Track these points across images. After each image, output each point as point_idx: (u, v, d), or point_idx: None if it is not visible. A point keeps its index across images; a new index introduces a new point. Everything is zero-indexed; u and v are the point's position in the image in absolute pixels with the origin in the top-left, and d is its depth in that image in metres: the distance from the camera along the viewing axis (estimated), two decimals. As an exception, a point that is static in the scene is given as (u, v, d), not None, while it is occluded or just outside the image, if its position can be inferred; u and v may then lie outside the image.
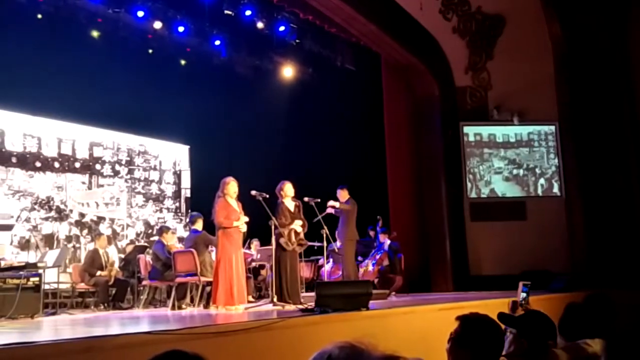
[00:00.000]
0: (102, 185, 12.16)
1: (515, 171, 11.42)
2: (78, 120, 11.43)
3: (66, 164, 11.60)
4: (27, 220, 10.83)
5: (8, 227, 9.61)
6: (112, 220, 12.21)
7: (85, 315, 7.65)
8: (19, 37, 9.72)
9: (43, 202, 11.11)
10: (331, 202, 8.59)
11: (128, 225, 12.47)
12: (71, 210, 11.55)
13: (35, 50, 9.81)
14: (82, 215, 11.69)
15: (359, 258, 10.15)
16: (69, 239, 11.35)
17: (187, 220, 11.17)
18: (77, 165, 11.77)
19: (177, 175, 13.52)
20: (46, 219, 11.12)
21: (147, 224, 12.70)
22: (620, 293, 6.95)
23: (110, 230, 12.00)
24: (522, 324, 2.56)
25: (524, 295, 3.95)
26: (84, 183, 11.88)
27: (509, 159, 11.44)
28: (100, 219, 11.98)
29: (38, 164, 11.13)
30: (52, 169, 11.36)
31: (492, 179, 11.37)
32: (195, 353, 1.39)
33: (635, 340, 1.39)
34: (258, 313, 6.40)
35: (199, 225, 8.54)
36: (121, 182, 12.44)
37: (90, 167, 11.95)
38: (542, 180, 11.37)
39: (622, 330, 1.47)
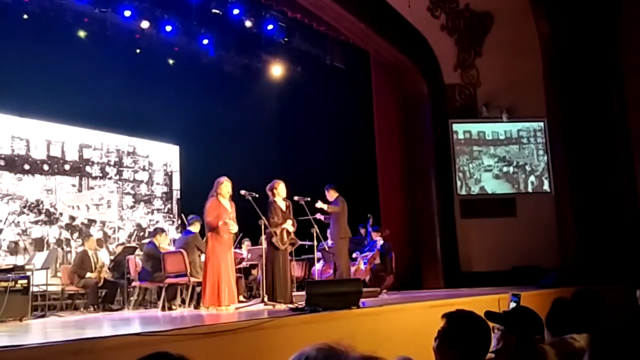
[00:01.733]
0: (92, 188, 11.98)
1: (505, 169, 11.45)
2: (66, 121, 11.31)
3: (55, 166, 11.40)
4: (16, 224, 10.65)
5: None
6: (103, 223, 12.04)
7: (75, 317, 7.60)
8: (4, 38, 9.62)
9: (32, 205, 10.92)
10: (319, 204, 8.49)
11: (119, 228, 12.30)
12: (61, 214, 11.36)
13: (21, 51, 9.72)
14: (72, 218, 11.51)
15: (354, 255, 10.14)
16: (59, 242, 11.15)
17: (180, 222, 11.08)
18: (67, 167, 11.58)
19: (169, 176, 13.39)
20: (36, 222, 10.94)
21: (139, 227, 12.56)
22: (609, 288, 7.00)
23: (101, 233, 11.82)
24: (509, 320, 2.57)
25: (513, 305, 3.96)
26: (74, 185, 11.68)
27: (499, 156, 11.48)
28: (91, 221, 11.79)
29: (27, 167, 10.94)
30: (41, 171, 11.16)
31: (482, 176, 11.39)
32: (180, 355, 1.37)
33: (619, 335, 1.40)
34: (249, 313, 6.40)
35: (195, 227, 8.48)
36: (111, 184, 12.27)
37: (80, 169, 11.76)
38: (532, 178, 11.41)
39: (607, 324, 1.47)
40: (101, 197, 12.06)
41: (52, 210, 11.23)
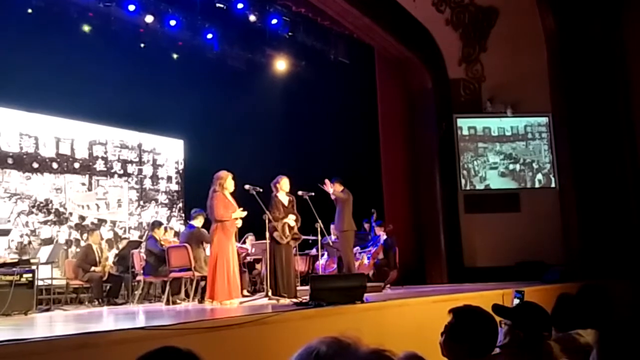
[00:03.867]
0: (102, 187, 11.76)
1: (511, 166, 11.31)
2: (69, 116, 11.25)
3: (65, 164, 11.19)
4: (25, 224, 10.45)
5: (5, 232, 9.36)
6: (114, 222, 11.83)
7: (79, 311, 7.62)
8: (8, 32, 9.61)
9: (41, 205, 10.72)
10: (327, 186, 8.34)
11: (130, 228, 12.06)
12: (71, 213, 11.15)
13: (25, 45, 9.70)
14: (82, 218, 11.29)
15: (357, 249, 10.13)
16: (68, 243, 10.94)
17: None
18: (77, 165, 11.37)
19: (180, 175, 13.18)
20: (45, 222, 10.75)
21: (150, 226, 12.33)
22: (614, 283, 6.99)
23: (111, 233, 11.62)
24: (517, 316, 2.56)
25: (517, 302, 3.95)
26: (83, 184, 11.46)
27: (505, 153, 11.33)
28: (101, 221, 11.58)
29: (35, 165, 10.74)
30: (50, 170, 10.95)
31: (487, 174, 11.26)
32: (188, 349, 1.37)
33: (627, 331, 1.39)
34: (253, 307, 6.40)
35: (198, 221, 8.49)
36: (122, 182, 12.07)
37: (89, 167, 11.55)
38: (539, 176, 11.26)
39: (615, 320, 1.47)
40: (107, 192, 11.85)
41: (61, 209, 11.03)
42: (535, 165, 11.32)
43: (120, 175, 12.13)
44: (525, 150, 11.34)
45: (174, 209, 13.04)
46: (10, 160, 10.45)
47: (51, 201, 10.94)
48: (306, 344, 1.18)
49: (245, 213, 7.10)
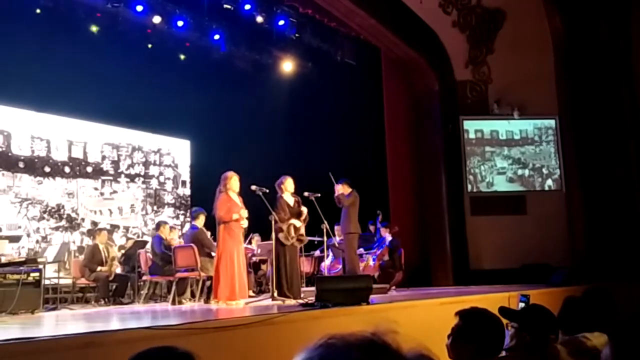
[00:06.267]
0: (115, 191, 11.55)
1: (520, 171, 11.19)
2: (77, 116, 11.20)
3: (77, 168, 10.99)
4: (36, 230, 10.24)
5: (16, 239, 9.29)
6: (127, 228, 11.61)
7: (86, 311, 7.64)
8: (17, 32, 9.64)
9: (53, 210, 10.51)
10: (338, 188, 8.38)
11: (144, 234, 11.77)
12: (83, 219, 10.95)
13: (33, 45, 9.72)
14: (94, 224, 11.05)
15: (361, 250, 10.11)
16: (80, 249, 10.66)
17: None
18: (89, 169, 11.18)
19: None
20: (56, 228, 10.53)
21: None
22: (620, 286, 6.96)
23: (124, 239, 11.38)
24: (523, 318, 2.56)
25: (522, 305, 3.95)
26: (96, 189, 11.26)
27: (513, 158, 11.19)
28: (114, 227, 11.35)
29: (47, 169, 10.55)
30: (62, 174, 10.74)
31: (495, 180, 11.12)
32: (186, 350, 1.34)
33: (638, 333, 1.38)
34: (258, 308, 6.41)
35: (199, 221, 8.50)
36: (134, 187, 11.90)
37: (102, 171, 11.37)
38: (549, 182, 11.10)
39: (626, 323, 1.45)
40: (119, 197, 11.66)
41: (73, 215, 10.82)
42: (545, 171, 11.20)
43: (132, 180, 11.92)
44: (535, 154, 11.21)
45: (188, 214, 12.83)
46: (21, 164, 10.24)
47: (63, 206, 10.71)
48: (325, 338, 0.97)
49: (246, 213, 7.07)
